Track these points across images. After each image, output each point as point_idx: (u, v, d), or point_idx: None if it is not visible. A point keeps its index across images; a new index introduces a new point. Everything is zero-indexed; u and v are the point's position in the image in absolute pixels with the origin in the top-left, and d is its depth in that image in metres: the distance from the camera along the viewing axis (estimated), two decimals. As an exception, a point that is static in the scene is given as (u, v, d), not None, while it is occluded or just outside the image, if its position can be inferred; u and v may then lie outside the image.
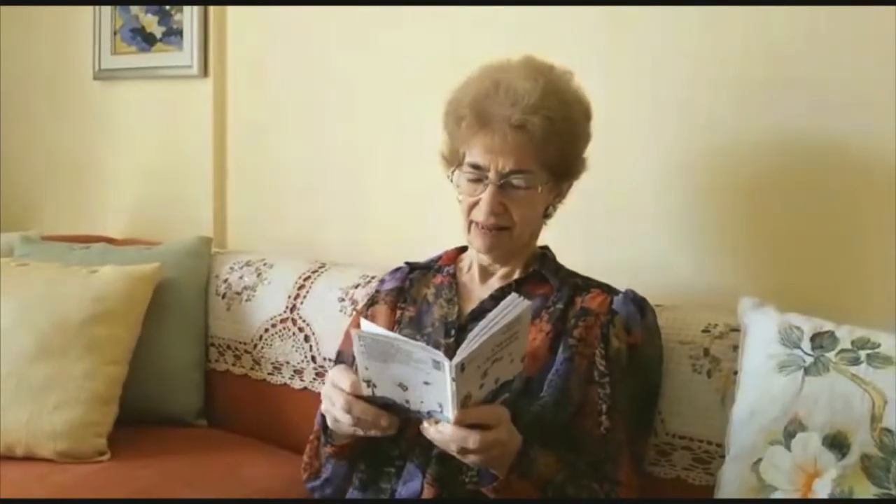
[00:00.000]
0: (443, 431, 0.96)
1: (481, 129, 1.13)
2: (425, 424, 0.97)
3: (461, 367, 0.90)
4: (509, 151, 1.12)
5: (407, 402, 0.98)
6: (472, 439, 0.95)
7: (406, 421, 1.03)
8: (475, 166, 1.14)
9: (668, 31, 1.39)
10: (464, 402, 0.93)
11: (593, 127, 1.20)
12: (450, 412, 0.94)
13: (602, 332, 1.13)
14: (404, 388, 0.96)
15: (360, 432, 1.04)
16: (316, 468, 1.21)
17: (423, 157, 1.68)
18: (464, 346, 0.91)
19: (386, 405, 1.00)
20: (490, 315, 0.94)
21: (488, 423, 0.97)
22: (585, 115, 1.19)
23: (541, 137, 1.11)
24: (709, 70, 1.36)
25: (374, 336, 0.95)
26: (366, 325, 1.00)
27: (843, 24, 1.23)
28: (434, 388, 0.94)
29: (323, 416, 1.14)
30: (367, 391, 1.00)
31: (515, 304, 0.93)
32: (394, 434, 1.11)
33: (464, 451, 0.97)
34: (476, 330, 0.92)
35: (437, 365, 0.91)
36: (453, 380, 0.90)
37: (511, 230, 1.15)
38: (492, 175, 1.13)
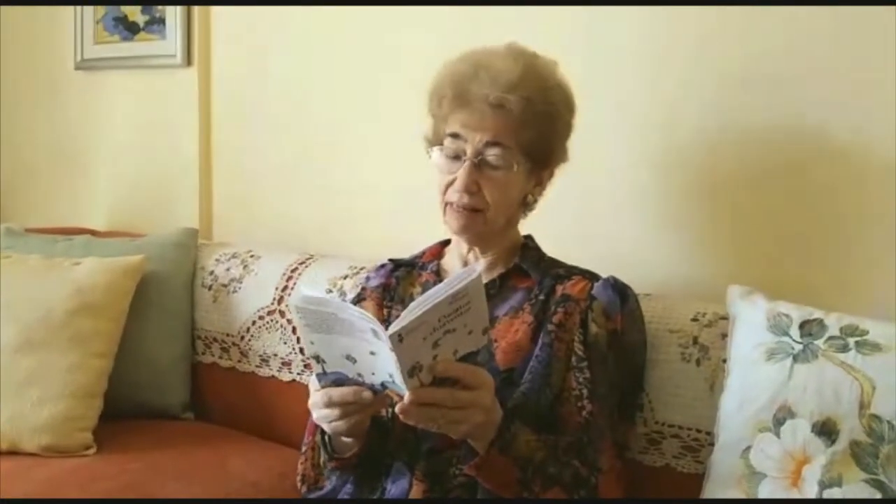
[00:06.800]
0: (418, 394, 0.92)
1: (460, 106, 1.14)
2: (398, 406, 0.94)
3: (398, 338, 0.88)
4: (487, 127, 1.13)
5: (359, 375, 0.96)
6: (452, 396, 0.93)
7: (393, 421, 1.02)
8: (454, 135, 1.15)
9: (654, 28, 1.39)
10: (412, 373, 0.92)
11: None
12: (401, 382, 0.92)
13: (581, 317, 1.13)
14: (353, 360, 0.95)
15: (352, 421, 1.02)
16: (313, 479, 1.20)
17: (412, 149, 1.67)
18: (402, 315, 0.90)
19: (341, 382, 0.98)
20: (437, 286, 0.93)
21: (468, 384, 0.95)
22: (567, 103, 1.19)
23: (519, 116, 1.12)
24: (692, 66, 1.36)
25: (312, 308, 0.93)
26: (305, 291, 0.98)
27: (821, 21, 1.24)
28: (381, 358, 0.92)
29: (317, 429, 1.13)
30: (318, 368, 0.98)
31: (465, 275, 0.92)
32: (382, 434, 1.11)
33: (447, 420, 0.95)
34: (418, 300, 0.91)
35: (375, 334, 0.90)
36: (391, 350, 0.89)
37: (484, 212, 1.15)
38: (469, 150, 1.13)
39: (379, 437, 1.12)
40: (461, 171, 1.13)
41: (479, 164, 1.13)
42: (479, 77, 1.13)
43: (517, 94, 1.11)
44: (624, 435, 1.19)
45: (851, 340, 1.05)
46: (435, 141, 1.20)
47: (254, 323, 1.66)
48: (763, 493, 1.04)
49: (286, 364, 1.61)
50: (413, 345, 0.90)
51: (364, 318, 0.90)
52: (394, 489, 1.11)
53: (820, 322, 1.08)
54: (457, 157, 1.15)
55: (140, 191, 2.13)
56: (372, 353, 0.93)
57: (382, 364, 0.93)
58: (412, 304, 0.91)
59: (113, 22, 2.11)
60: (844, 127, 1.24)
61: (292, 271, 1.64)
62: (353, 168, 1.79)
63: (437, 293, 0.91)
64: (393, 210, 1.72)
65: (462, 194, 1.13)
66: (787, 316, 1.10)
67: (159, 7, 2.02)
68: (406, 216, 1.68)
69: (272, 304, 1.63)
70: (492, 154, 1.13)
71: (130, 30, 2.09)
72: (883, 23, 1.19)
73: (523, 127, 1.13)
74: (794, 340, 1.08)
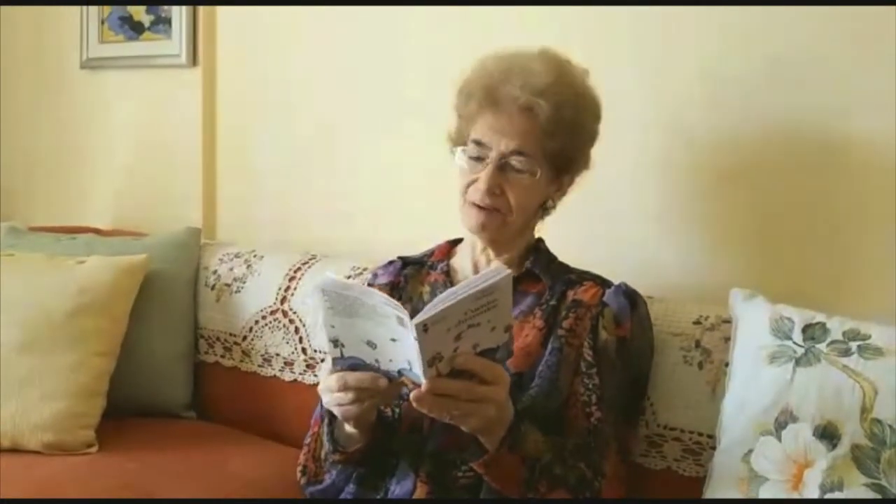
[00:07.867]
0: (435, 383, 0.92)
1: (489, 108, 1.14)
2: (414, 393, 0.94)
3: (424, 328, 0.89)
4: (514, 133, 1.13)
5: (377, 360, 0.97)
6: (467, 389, 0.94)
7: (399, 420, 1.02)
8: (478, 143, 1.15)
9: (656, 29, 1.39)
10: (431, 362, 0.92)
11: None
12: (419, 370, 0.92)
13: (591, 323, 1.13)
14: (372, 345, 0.95)
15: (365, 406, 1.02)
16: (314, 472, 1.19)
17: (416, 150, 1.68)
18: (430, 305, 0.91)
19: (355, 368, 0.99)
20: (468, 280, 0.94)
21: (485, 378, 0.96)
22: (594, 112, 1.19)
23: (546, 122, 1.12)
24: (693, 69, 1.36)
25: (339, 290, 0.94)
26: (329, 276, 0.99)
27: (823, 22, 1.24)
28: (401, 346, 0.93)
29: (322, 420, 1.13)
30: (335, 352, 0.99)
31: (495, 273, 0.93)
32: (388, 433, 1.11)
33: (460, 412, 0.95)
34: (447, 292, 0.92)
35: (400, 321, 0.90)
36: (416, 339, 0.89)
37: (505, 215, 1.15)
38: (493, 154, 1.13)
39: (384, 436, 1.12)
40: (484, 174, 1.13)
41: (503, 168, 1.13)
42: (510, 80, 1.13)
43: (547, 100, 1.11)
44: (629, 440, 1.18)
45: (854, 344, 1.05)
46: (459, 141, 1.20)
47: (256, 322, 1.66)
48: (764, 497, 1.04)
49: (288, 364, 1.61)
50: (437, 335, 0.91)
51: (390, 304, 0.91)
52: (398, 489, 1.11)
53: (822, 326, 1.08)
54: (480, 158, 1.15)
55: (144, 190, 2.13)
56: (393, 340, 0.93)
57: (402, 351, 0.93)
58: (440, 296, 0.92)
59: (118, 21, 2.11)
60: (846, 129, 1.24)
61: (295, 271, 1.64)
62: (357, 169, 1.79)
63: (466, 287, 0.91)
64: (396, 211, 1.72)
65: (485, 195, 1.13)
66: (789, 319, 1.10)
67: (164, 7, 2.02)
68: (410, 217, 1.68)
69: (275, 303, 1.64)
70: (516, 160, 1.13)
71: (135, 29, 2.09)
72: (884, 23, 1.19)
73: (549, 136, 1.13)
74: (796, 344, 1.08)
